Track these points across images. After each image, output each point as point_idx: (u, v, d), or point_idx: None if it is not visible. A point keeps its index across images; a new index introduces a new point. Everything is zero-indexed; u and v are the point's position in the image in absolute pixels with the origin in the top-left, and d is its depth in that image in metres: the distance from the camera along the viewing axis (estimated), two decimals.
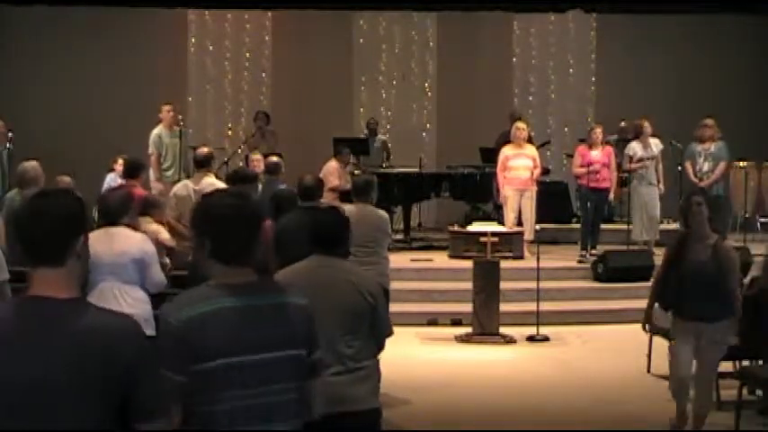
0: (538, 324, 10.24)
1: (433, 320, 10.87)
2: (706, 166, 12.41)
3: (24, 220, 2.71)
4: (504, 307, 10.26)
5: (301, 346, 3.09)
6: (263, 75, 16.95)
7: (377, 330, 4.62)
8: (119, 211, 6.49)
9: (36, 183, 8.83)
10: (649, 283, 11.71)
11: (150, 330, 6.02)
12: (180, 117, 13.26)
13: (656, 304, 7.00)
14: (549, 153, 15.66)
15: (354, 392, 4.50)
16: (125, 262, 6.27)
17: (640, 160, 12.67)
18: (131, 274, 6.29)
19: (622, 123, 14.85)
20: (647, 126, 12.83)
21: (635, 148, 12.78)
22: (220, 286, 3.03)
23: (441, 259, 11.91)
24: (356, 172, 12.83)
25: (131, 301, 6.22)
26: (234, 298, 3.00)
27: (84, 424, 2.59)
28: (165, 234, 8.04)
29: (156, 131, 12.80)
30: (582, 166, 12.62)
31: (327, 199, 10.74)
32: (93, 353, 2.60)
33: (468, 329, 10.26)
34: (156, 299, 6.20)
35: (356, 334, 4.52)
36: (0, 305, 2.80)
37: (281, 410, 3.02)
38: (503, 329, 10.17)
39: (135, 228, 6.67)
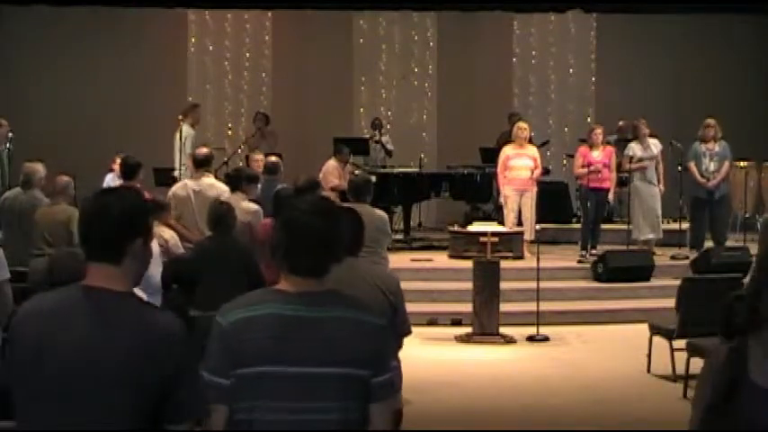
0: (538, 324, 10.23)
1: (433, 320, 10.85)
2: (712, 166, 12.43)
3: (87, 216, 2.76)
4: (504, 307, 10.25)
5: (360, 365, 2.83)
6: (263, 75, 16.94)
7: (397, 329, 4.55)
8: (154, 213, 6.59)
9: (40, 185, 8.90)
10: (649, 284, 11.90)
11: None
12: (180, 117, 13.30)
13: None
14: (548, 153, 15.65)
15: None
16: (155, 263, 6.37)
17: (640, 161, 12.66)
18: (152, 275, 6.38)
19: (620, 123, 14.86)
20: (644, 126, 12.83)
21: (634, 148, 12.76)
22: (278, 292, 2.91)
23: (441, 259, 11.89)
24: (356, 172, 12.82)
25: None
26: (287, 305, 2.86)
27: (125, 412, 2.60)
28: (175, 240, 8.02)
29: (188, 130, 12.90)
30: (583, 166, 12.62)
31: None
32: (142, 346, 2.62)
33: (469, 329, 10.25)
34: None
35: None
36: (53, 293, 2.81)
37: (319, 429, 2.81)
38: (503, 329, 10.16)
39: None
